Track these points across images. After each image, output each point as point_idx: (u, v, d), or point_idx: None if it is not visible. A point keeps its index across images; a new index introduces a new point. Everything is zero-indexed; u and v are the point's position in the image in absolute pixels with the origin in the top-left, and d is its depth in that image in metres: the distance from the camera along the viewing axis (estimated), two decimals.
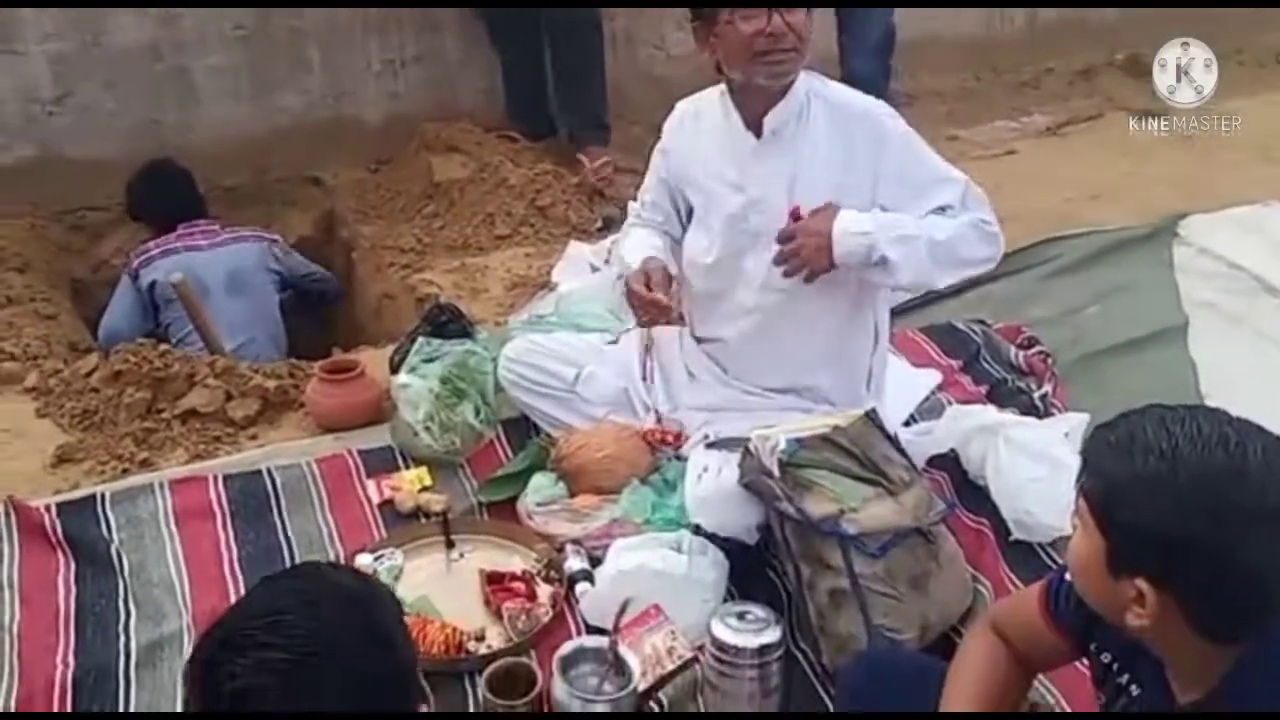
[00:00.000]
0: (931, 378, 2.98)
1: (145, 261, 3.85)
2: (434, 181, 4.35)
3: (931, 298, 3.48)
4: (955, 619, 2.27)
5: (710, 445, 2.50)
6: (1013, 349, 3.18)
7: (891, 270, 2.39)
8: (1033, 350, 3.16)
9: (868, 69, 4.26)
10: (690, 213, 2.65)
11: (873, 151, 2.44)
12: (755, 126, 2.47)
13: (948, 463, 2.71)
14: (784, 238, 2.41)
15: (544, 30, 4.34)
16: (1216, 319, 3.32)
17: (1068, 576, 1.57)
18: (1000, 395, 2.98)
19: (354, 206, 4.47)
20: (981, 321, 3.33)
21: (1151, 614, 1.35)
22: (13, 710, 2.09)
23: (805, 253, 2.39)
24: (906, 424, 2.84)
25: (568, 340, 2.87)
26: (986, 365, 3.14)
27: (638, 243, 2.66)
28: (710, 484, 2.38)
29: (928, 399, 2.94)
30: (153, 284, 3.79)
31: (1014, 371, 3.11)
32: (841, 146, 2.45)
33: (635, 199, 2.88)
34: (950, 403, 2.91)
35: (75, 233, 4.32)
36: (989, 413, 2.77)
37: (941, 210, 2.45)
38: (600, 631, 2.25)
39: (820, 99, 2.47)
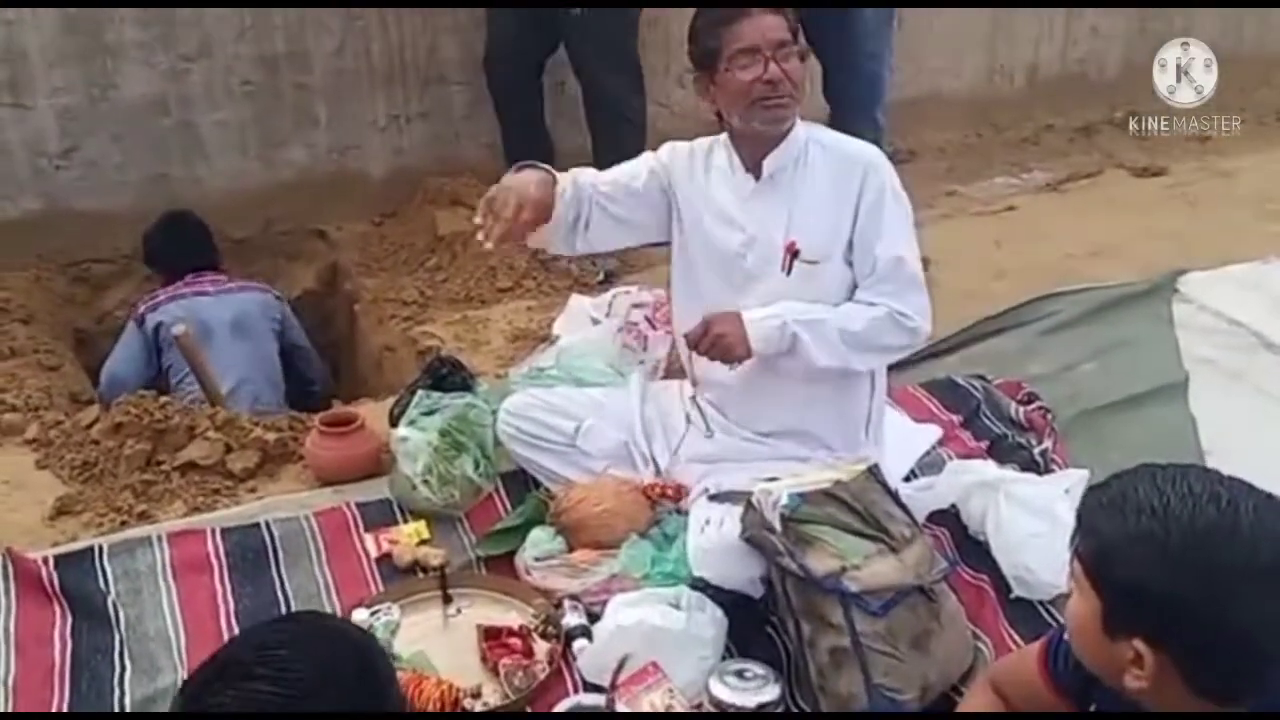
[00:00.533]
0: (931, 433, 2.99)
1: (152, 307, 3.88)
2: (437, 235, 4.38)
3: (930, 353, 3.50)
4: (956, 678, 2.26)
5: (713, 498, 2.49)
6: (1013, 404, 3.18)
7: (805, 350, 2.47)
8: (1033, 406, 3.16)
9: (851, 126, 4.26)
10: (668, 222, 2.68)
11: (858, 192, 2.50)
12: (755, 169, 2.55)
13: (948, 518, 2.71)
14: (694, 339, 2.49)
15: (588, 121, 4.34)
16: (1216, 375, 3.32)
17: (1066, 636, 1.56)
18: (1000, 451, 2.98)
19: (357, 259, 4.49)
20: (981, 377, 3.33)
21: (1150, 675, 1.35)
22: None
23: (722, 343, 2.45)
24: (907, 479, 2.84)
25: (568, 394, 2.88)
26: (987, 421, 3.14)
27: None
28: (713, 536, 2.38)
29: (928, 454, 2.93)
30: (158, 326, 3.81)
31: (1014, 427, 3.11)
32: (836, 188, 2.52)
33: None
34: (951, 458, 2.91)
35: (79, 284, 4.34)
36: (989, 468, 2.76)
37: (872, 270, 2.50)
38: (598, 689, 2.24)
39: (818, 144, 2.56)
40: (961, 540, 2.66)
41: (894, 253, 2.50)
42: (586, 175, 2.65)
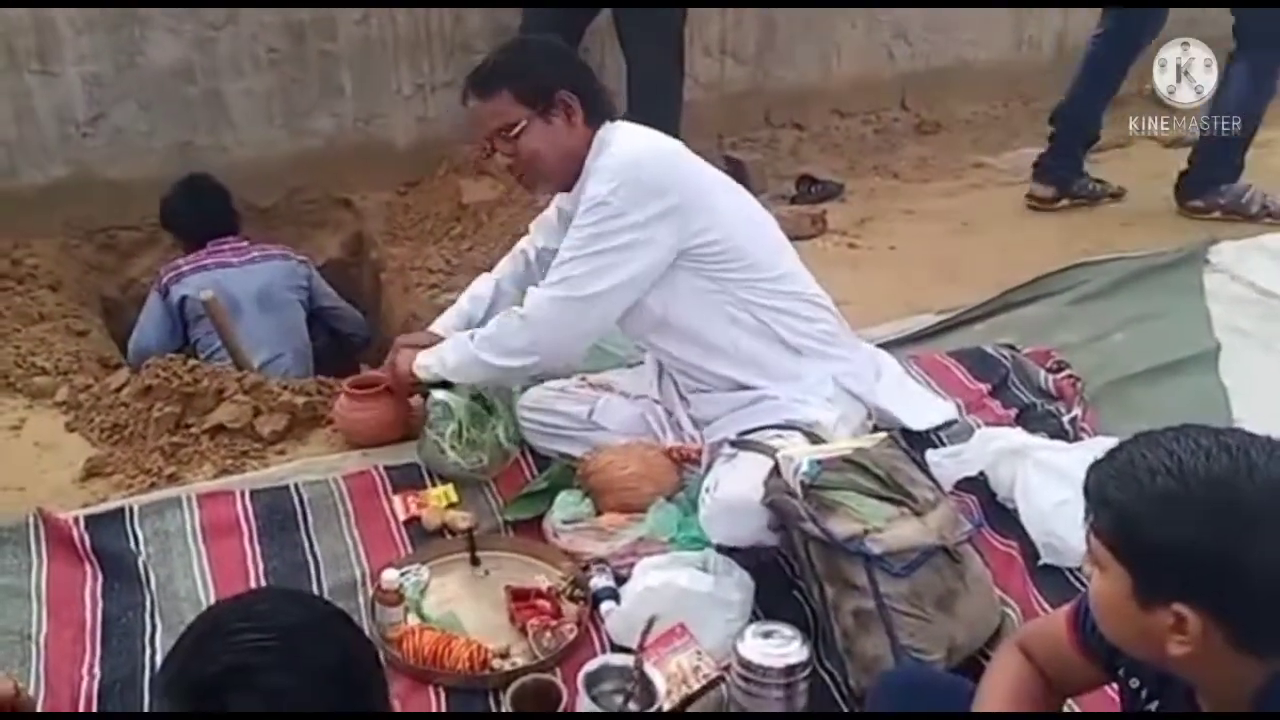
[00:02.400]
0: (945, 409, 2.94)
1: (175, 278, 3.88)
2: (462, 204, 4.38)
3: (959, 322, 3.49)
4: (983, 640, 2.25)
5: (734, 444, 2.50)
6: (1042, 373, 3.16)
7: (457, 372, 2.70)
8: (1062, 374, 3.14)
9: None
10: None
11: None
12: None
13: (976, 485, 2.69)
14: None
15: (628, 93, 4.31)
16: (1248, 345, 3.29)
17: (1096, 619, 1.52)
18: (1029, 419, 2.96)
19: (383, 228, 4.50)
20: (1010, 346, 3.31)
21: (1195, 637, 1.32)
22: None
23: (398, 365, 2.81)
24: (934, 446, 2.83)
25: (578, 384, 2.92)
26: (1015, 389, 3.13)
27: (468, 291, 3.01)
28: (710, 501, 2.39)
29: (954, 424, 2.90)
30: (183, 300, 3.82)
31: (1043, 396, 3.09)
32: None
33: None
34: (979, 426, 2.89)
35: (106, 252, 4.36)
36: (1018, 435, 2.75)
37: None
38: (625, 650, 2.24)
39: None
40: (990, 507, 2.64)
41: (559, 258, 2.58)
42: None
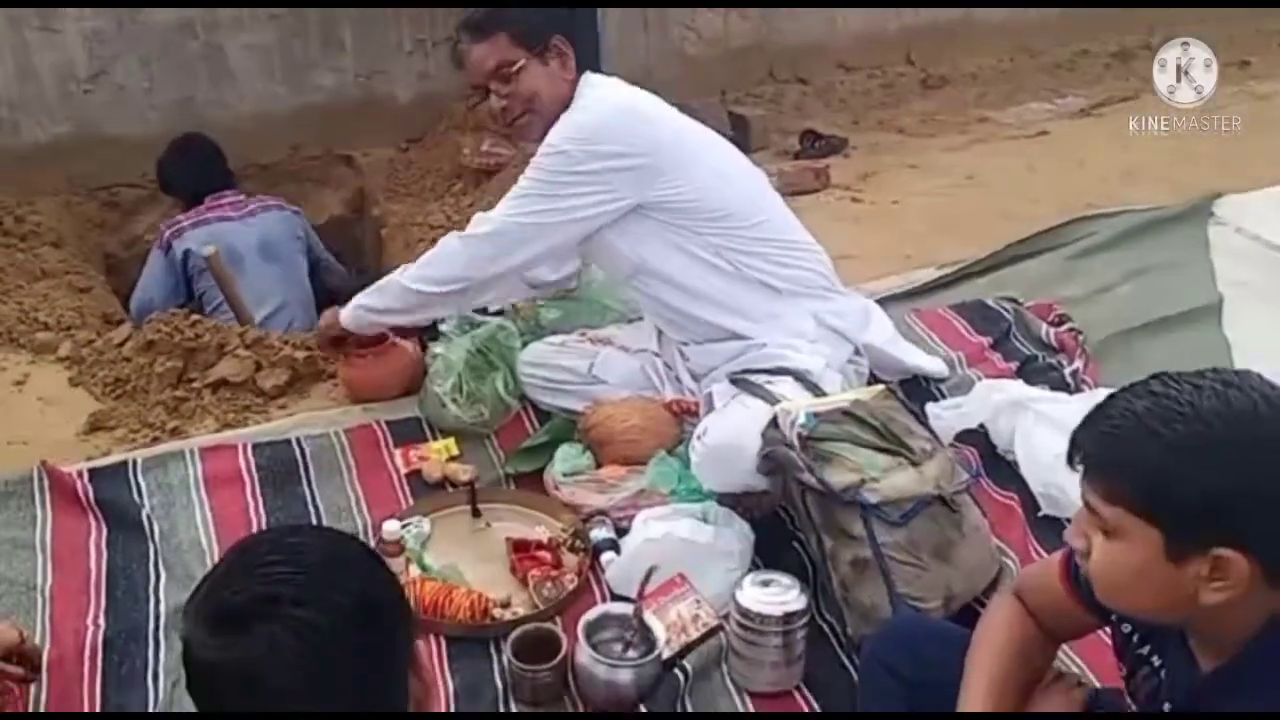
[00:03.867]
0: (935, 363, 2.93)
1: (177, 233, 3.88)
2: (462, 160, 4.36)
3: (961, 277, 3.48)
4: (981, 589, 2.26)
5: (734, 381, 2.51)
6: (1044, 326, 3.16)
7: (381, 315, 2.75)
8: (1064, 327, 3.14)
9: None
10: None
11: None
12: None
13: (976, 438, 2.69)
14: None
15: None
16: (1251, 297, 3.28)
17: (1103, 597, 1.45)
18: (1030, 372, 2.96)
19: (384, 185, 4.50)
20: (1013, 299, 3.31)
21: (1238, 580, 1.29)
22: (44, 671, 2.11)
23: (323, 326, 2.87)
24: (935, 400, 2.83)
25: (579, 339, 2.93)
26: (1017, 343, 3.13)
27: None
28: (701, 448, 2.40)
29: (948, 378, 2.90)
30: (186, 254, 3.82)
31: (1045, 349, 3.09)
32: None
33: None
34: (980, 379, 2.89)
35: (109, 209, 4.36)
36: (1018, 388, 2.75)
37: None
38: (626, 600, 2.25)
39: None
40: (990, 459, 2.65)
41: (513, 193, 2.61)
42: None
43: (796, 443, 2.27)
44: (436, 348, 2.77)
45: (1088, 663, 2.05)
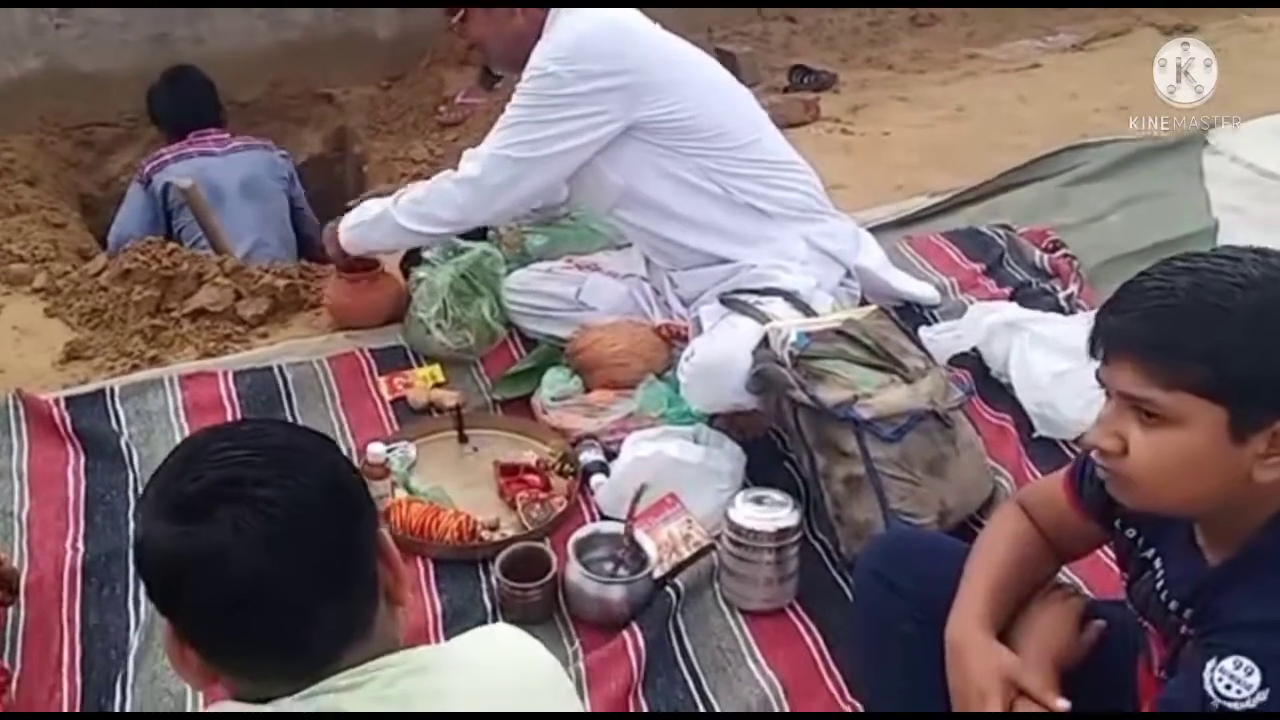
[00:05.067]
0: (927, 290, 2.88)
1: (158, 166, 3.81)
2: (445, 96, 4.29)
3: (953, 205, 3.44)
4: (975, 506, 2.23)
5: (724, 302, 2.45)
6: (1037, 252, 3.12)
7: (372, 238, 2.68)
8: (1058, 253, 3.10)
9: None
10: None
11: None
12: None
13: (970, 362, 2.66)
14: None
15: None
16: (1246, 224, 3.23)
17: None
18: (1024, 297, 2.92)
19: (365, 122, 4.42)
20: (1006, 226, 3.26)
21: None
22: (22, 594, 2.07)
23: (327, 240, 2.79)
24: (927, 324, 2.79)
25: (566, 266, 2.87)
26: (1010, 268, 3.09)
27: None
28: (688, 368, 2.35)
29: (940, 305, 2.86)
30: (165, 188, 3.74)
31: (1038, 274, 3.05)
32: None
33: None
34: (973, 304, 2.85)
35: (84, 148, 4.27)
36: (1013, 309, 2.72)
37: None
38: (617, 521, 2.21)
39: None
40: (983, 382, 2.62)
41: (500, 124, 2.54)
42: None
43: (788, 361, 2.22)
44: (420, 273, 2.72)
45: (1089, 583, 2.01)
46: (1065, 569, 2.03)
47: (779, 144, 2.67)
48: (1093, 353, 1.35)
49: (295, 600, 1.06)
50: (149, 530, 1.07)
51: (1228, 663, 1.28)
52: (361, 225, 2.69)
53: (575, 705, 1.28)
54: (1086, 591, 1.99)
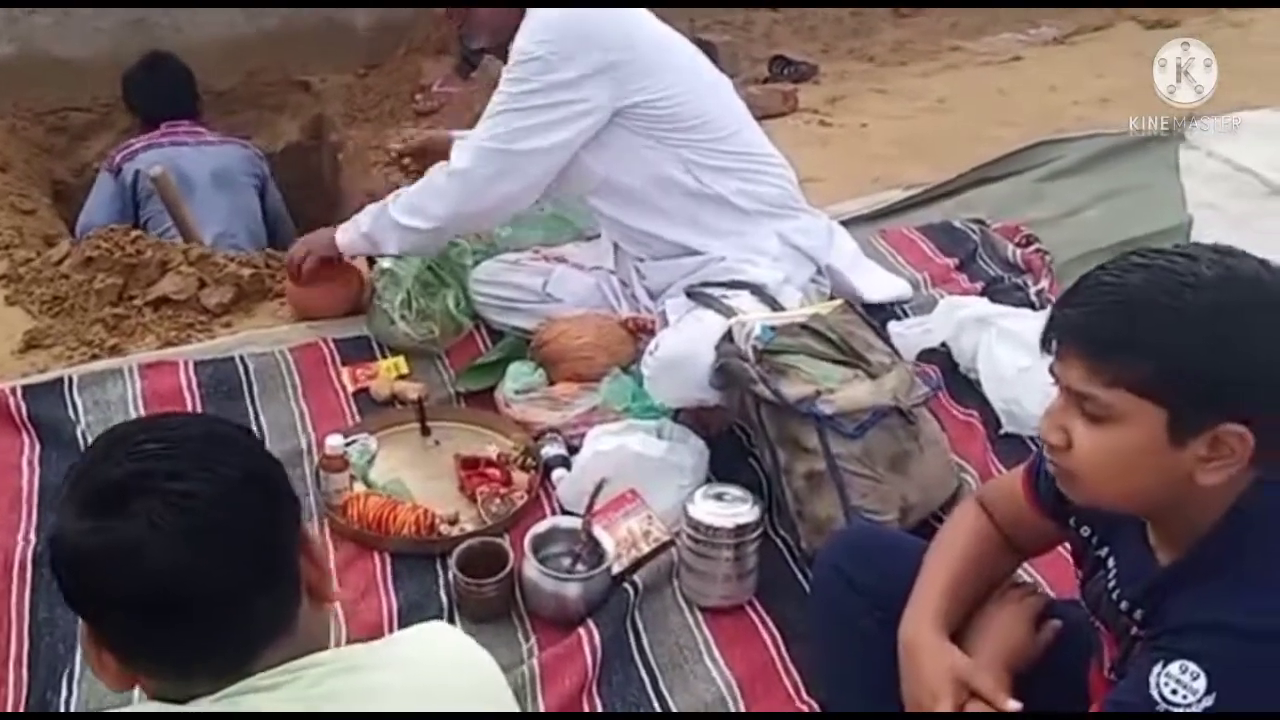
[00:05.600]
0: (898, 286, 2.84)
1: (128, 155, 3.77)
2: (422, 84, 4.26)
3: (928, 199, 3.42)
4: (938, 503, 2.21)
5: (690, 295, 2.43)
6: (1010, 247, 3.10)
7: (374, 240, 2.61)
8: (1031, 248, 3.09)
9: None
10: None
11: None
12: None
13: (939, 357, 2.65)
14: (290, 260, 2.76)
15: None
16: (1220, 220, 3.21)
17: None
18: (996, 292, 2.90)
19: (342, 111, 4.39)
20: (980, 221, 3.24)
21: (1242, 454, 1.22)
22: None
23: (308, 248, 2.72)
24: (897, 319, 2.76)
25: (533, 257, 2.83)
26: (983, 263, 3.07)
27: None
28: (653, 362, 2.31)
29: (914, 299, 2.83)
30: (135, 176, 3.70)
31: (1011, 269, 3.04)
32: None
33: None
34: (944, 297, 2.83)
35: (57, 134, 4.24)
36: (982, 304, 2.70)
37: None
38: (576, 517, 2.19)
39: None
40: (952, 378, 2.60)
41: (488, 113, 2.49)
42: None
43: (751, 355, 2.20)
44: (384, 263, 2.68)
45: (1050, 582, 1.99)
46: (1027, 566, 2.03)
47: (758, 136, 2.64)
48: (1044, 346, 1.33)
49: (214, 597, 1.03)
50: (61, 526, 1.05)
51: (1174, 667, 1.27)
52: (358, 222, 2.63)
53: (512, 707, 1.25)
54: (1047, 590, 1.99)
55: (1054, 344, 1.31)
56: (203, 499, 1.02)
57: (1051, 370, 1.33)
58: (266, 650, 1.06)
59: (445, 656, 1.20)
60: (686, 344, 2.29)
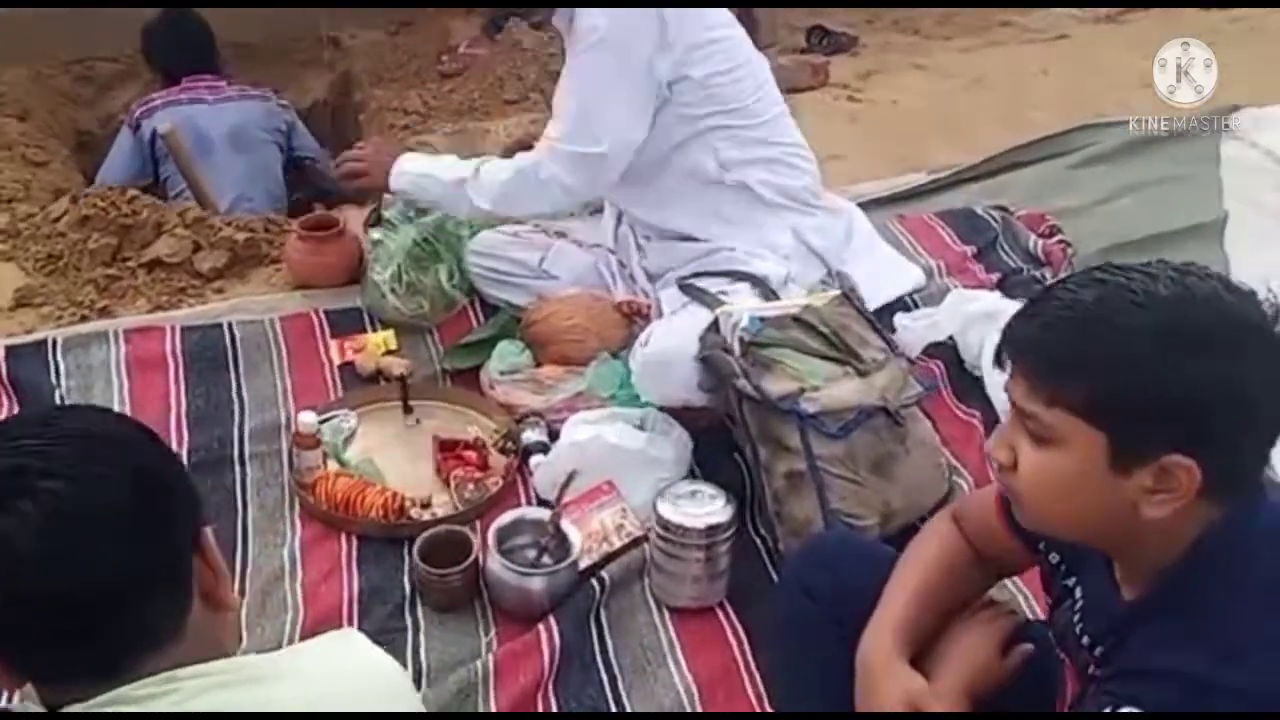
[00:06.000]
0: (912, 276, 2.73)
1: (147, 112, 3.73)
2: (450, 45, 4.19)
3: (953, 182, 3.31)
4: (925, 509, 2.11)
5: (683, 288, 2.36)
6: (1033, 237, 2.98)
7: (443, 204, 2.51)
8: (1054, 239, 2.96)
9: None
10: None
11: None
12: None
13: (945, 351, 2.55)
14: (345, 159, 2.60)
15: None
16: (1259, 215, 3.06)
17: (1028, 517, 1.32)
18: (1012, 285, 2.79)
19: (370, 68, 4.32)
20: (1003, 208, 3.12)
21: (1188, 488, 1.14)
22: None
23: (361, 167, 2.56)
24: (906, 310, 2.66)
25: (533, 230, 2.74)
26: (1003, 253, 2.95)
27: None
28: (642, 357, 2.24)
29: (925, 288, 2.72)
30: (154, 134, 3.67)
31: (1031, 260, 2.92)
32: None
33: None
34: (954, 288, 2.72)
35: (83, 83, 4.22)
36: (993, 299, 2.59)
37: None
38: (549, 506, 2.13)
39: None
40: (957, 375, 2.51)
41: (562, 104, 2.37)
42: None
43: (737, 347, 2.12)
44: (376, 234, 2.62)
45: (1036, 595, 1.91)
46: (1013, 583, 1.95)
47: (786, 126, 2.51)
48: (997, 360, 1.26)
49: (83, 599, 0.99)
50: None
51: (1123, 713, 1.19)
52: (426, 178, 2.49)
53: None
54: (1026, 610, 1.91)
55: (1005, 359, 1.24)
56: (72, 499, 0.99)
57: (1005, 387, 1.26)
58: (150, 656, 1.01)
59: (349, 669, 1.15)
60: (677, 341, 2.21)
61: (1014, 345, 1.22)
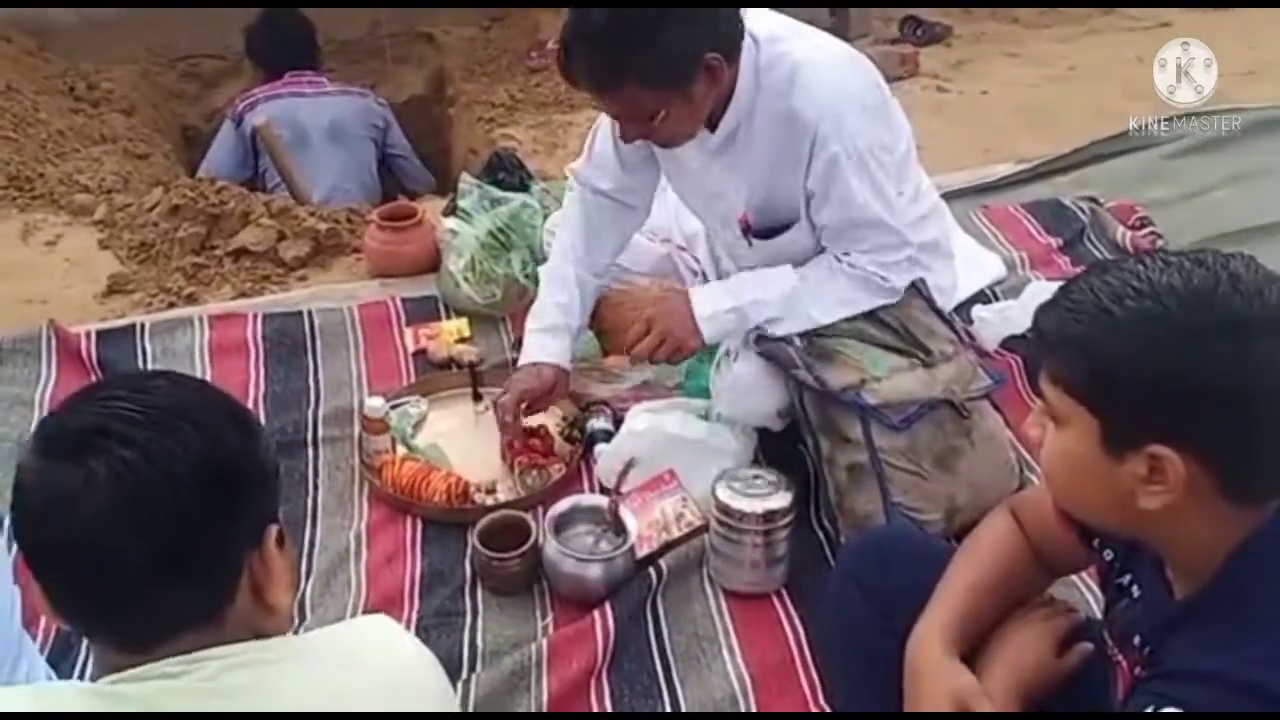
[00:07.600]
0: (992, 267, 2.66)
1: (250, 105, 3.85)
2: (539, 39, 4.22)
3: (1041, 173, 3.23)
4: (990, 505, 2.05)
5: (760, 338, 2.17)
6: (1121, 229, 2.89)
7: (774, 326, 2.13)
8: (1143, 231, 2.88)
9: None
10: None
11: (798, 165, 2.05)
12: (712, 125, 2.10)
13: (1023, 345, 2.48)
14: (635, 342, 2.18)
15: None
16: None
17: (1048, 492, 1.35)
18: None
19: (463, 64, 4.38)
20: (1093, 199, 3.04)
21: (1174, 484, 1.13)
22: None
23: (671, 343, 2.16)
24: (985, 302, 2.61)
25: None
26: (1089, 245, 2.89)
27: (546, 302, 2.35)
28: (726, 373, 2.18)
29: (1003, 281, 2.66)
30: (255, 128, 3.78)
31: (1119, 253, 2.83)
32: (777, 154, 2.07)
33: None
34: (1034, 280, 2.66)
35: (188, 80, 4.36)
36: None
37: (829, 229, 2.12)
38: (608, 494, 2.14)
39: (767, 102, 2.04)
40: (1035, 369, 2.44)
41: (849, 215, 2.07)
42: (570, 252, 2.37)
43: (797, 338, 2.10)
44: (452, 223, 2.66)
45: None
46: (1082, 578, 1.90)
47: (925, 180, 2.36)
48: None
49: (125, 570, 1.02)
50: (23, 457, 1.05)
51: (1165, 713, 1.16)
52: (761, 308, 2.14)
53: (447, 707, 1.21)
54: (1096, 609, 1.85)
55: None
56: (140, 471, 1.01)
57: None
58: (186, 635, 1.04)
59: (372, 656, 1.16)
60: (759, 376, 2.14)
61: (1033, 325, 1.25)
